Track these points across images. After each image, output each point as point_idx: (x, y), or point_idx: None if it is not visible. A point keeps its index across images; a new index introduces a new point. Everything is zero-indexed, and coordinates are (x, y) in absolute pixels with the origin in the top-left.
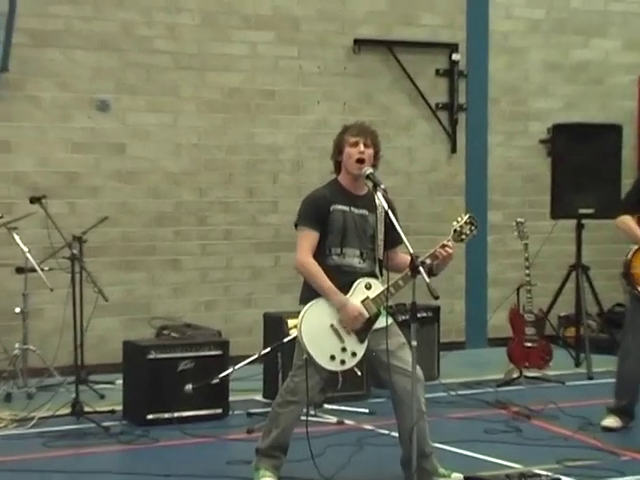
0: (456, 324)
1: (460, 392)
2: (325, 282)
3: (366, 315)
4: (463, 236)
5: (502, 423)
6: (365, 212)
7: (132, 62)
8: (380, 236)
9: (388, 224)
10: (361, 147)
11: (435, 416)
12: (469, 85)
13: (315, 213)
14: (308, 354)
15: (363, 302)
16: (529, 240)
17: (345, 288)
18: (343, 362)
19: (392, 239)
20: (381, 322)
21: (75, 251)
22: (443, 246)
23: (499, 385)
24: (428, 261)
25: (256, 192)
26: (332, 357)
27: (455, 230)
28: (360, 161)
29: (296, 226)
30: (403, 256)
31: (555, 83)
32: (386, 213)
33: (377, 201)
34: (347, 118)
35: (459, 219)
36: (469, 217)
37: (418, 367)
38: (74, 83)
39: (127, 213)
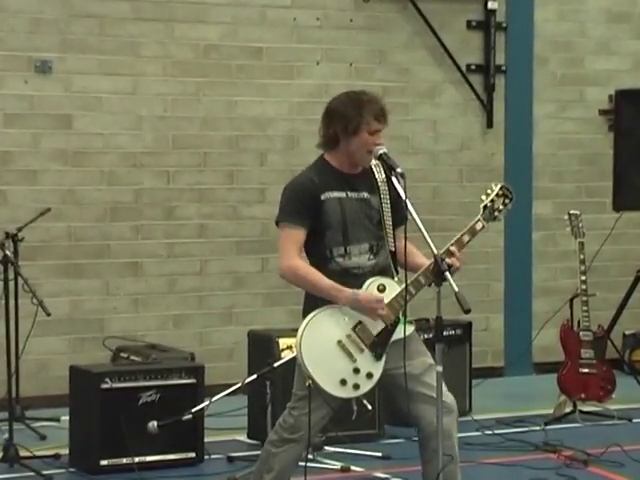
0: (493, 345)
1: (498, 431)
2: (322, 280)
3: (382, 297)
4: (496, 213)
5: (552, 471)
6: (365, 194)
7: (80, 12)
8: (388, 222)
9: (394, 202)
10: (380, 138)
11: (466, 461)
12: (509, 41)
13: (301, 205)
14: (312, 380)
15: None
16: (586, 238)
17: None
18: (357, 387)
19: (399, 217)
20: (400, 332)
21: (8, 252)
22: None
23: (548, 422)
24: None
25: (238, 177)
26: (343, 381)
27: (485, 206)
28: (371, 152)
29: (277, 224)
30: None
31: (620, 38)
32: (395, 193)
33: (377, 176)
34: (354, 83)
35: (489, 191)
36: (501, 187)
37: (450, 395)
38: (6, 38)
39: (74, 204)
